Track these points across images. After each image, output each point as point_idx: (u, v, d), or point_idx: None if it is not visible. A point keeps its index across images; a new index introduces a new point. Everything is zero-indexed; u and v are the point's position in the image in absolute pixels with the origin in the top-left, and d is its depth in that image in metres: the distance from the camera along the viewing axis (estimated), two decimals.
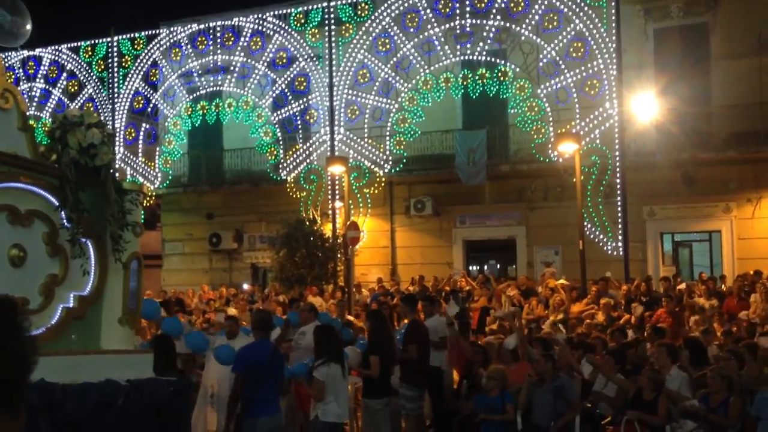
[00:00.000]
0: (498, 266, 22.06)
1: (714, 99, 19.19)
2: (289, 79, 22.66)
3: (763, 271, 15.56)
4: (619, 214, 18.97)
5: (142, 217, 6.70)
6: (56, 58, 25.15)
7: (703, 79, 19.29)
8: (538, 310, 14.13)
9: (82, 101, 24.61)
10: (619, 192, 19.01)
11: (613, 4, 19.25)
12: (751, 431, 7.56)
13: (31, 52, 25.32)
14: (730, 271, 18.29)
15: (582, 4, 19.47)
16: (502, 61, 20.27)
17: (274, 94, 22.93)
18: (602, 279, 15.59)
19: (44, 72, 25.29)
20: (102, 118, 22.74)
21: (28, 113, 5.98)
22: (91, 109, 24.05)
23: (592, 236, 18.65)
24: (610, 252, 18.88)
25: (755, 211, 18.83)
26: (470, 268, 21.77)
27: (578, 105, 19.58)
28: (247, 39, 22.99)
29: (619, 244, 18.90)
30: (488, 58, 20.40)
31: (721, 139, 18.57)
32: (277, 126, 22.87)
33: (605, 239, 18.99)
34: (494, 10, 20.17)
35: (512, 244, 21.28)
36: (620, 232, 18.93)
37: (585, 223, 18.01)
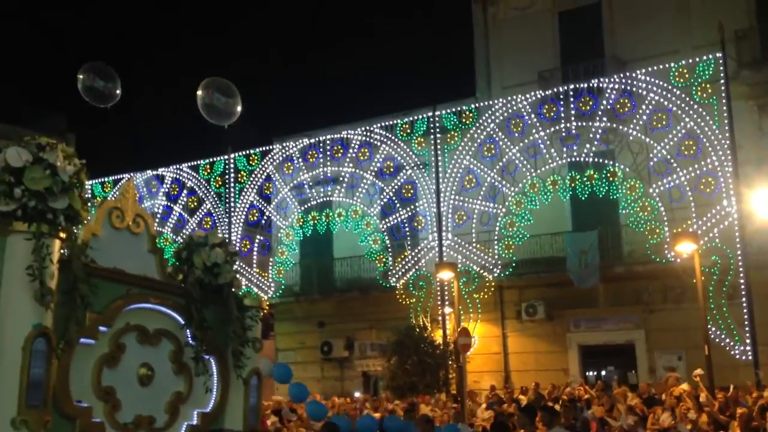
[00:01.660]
0: (617, 372, 21.12)
1: None
2: (396, 187, 23.10)
3: None
4: (746, 316, 17.96)
5: None
6: (177, 176, 26.57)
7: None
8: (663, 419, 13.35)
9: (200, 216, 25.79)
10: (743, 292, 18.07)
11: (723, 101, 18.84)
12: None
13: (155, 172, 26.89)
14: None
15: (691, 102, 19.16)
16: (611, 162, 20.05)
17: (382, 203, 23.37)
18: (727, 389, 14.62)
19: (166, 190, 26.72)
20: (219, 231, 23.77)
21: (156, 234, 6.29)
22: (209, 223, 25.19)
23: (717, 340, 17.70)
24: (737, 356, 17.80)
25: None
26: (587, 374, 20.95)
27: (694, 203, 19.00)
28: (355, 150, 23.69)
29: (748, 347, 17.81)
30: (596, 159, 20.23)
31: None
32: (385, 233, 23.18)
33: (732, 343, 17.96)
34: (600, 112, 20.12)
35: (631, 348, 20.42)
36: (748, 334, 17.88)
37: (709, 326, 17.12)
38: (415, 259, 22.55)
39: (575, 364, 21.01)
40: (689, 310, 17.61)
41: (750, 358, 17.68)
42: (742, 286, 18.07)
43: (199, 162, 26.14)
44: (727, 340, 17.96)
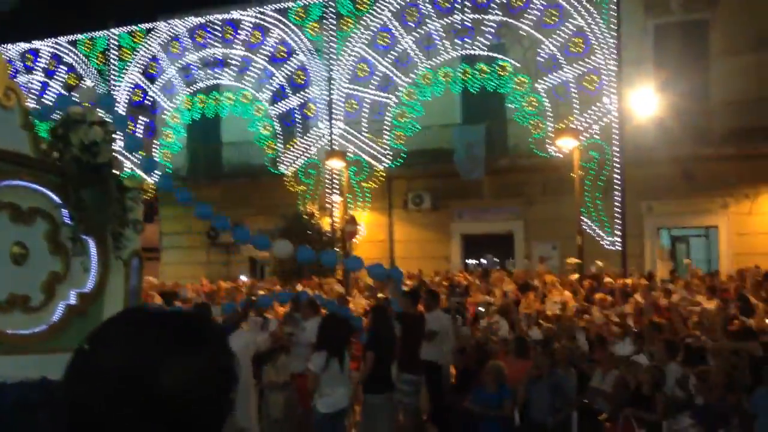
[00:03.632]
0: (496, 260, 22.04)
1: (713, 95, 19.19)
2: (288, 72, 22.66)
3: (761, 267, 15.60)
4: (618, 210, 19.01)
5: None
6: (55, 51, 25.08)
7: (703, 75, 19.28)
8: (535, 304, 14.15)
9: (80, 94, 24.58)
10: (617, 187, 19.04)
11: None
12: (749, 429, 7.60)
13: (30, 45, 25.26)
14: (727, 267, 18.33)
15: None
16: (502, 56, 20.28)
17: (273, 88, 22.92)
18: (592, 276, 15.59)
19: (43, 65, 25.22)
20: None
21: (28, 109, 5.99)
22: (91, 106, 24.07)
23: (590, 231, 18.71)
24: (607, 247, 18.93)
25: (752, 207, 18.86)
26: (468, 262, 21.79)
27: (577, 100, 19.60)
28: (246, 33, 22.95)
29: (617, 239, 18.94)
30: (488, 53, 20.40)
31: (720, 135, 18.59)
32: (275, 119, 22.86)
33: (603, 234, 19.04)
34: (494, 5, 20.16)
35: (510, 238, 21.30)
36: (618, 227, 18.98)
37: (583, 218, 18.05)
38: (306, 146, 22.43)
39: (457, 253, 21.79)
40: (566, 203, 18.46)
41: (618, 248, 18.84)
42: (617, 182, 19.03)
43: (79, 37, 24.70)
44: (599, 232, 19.03)
